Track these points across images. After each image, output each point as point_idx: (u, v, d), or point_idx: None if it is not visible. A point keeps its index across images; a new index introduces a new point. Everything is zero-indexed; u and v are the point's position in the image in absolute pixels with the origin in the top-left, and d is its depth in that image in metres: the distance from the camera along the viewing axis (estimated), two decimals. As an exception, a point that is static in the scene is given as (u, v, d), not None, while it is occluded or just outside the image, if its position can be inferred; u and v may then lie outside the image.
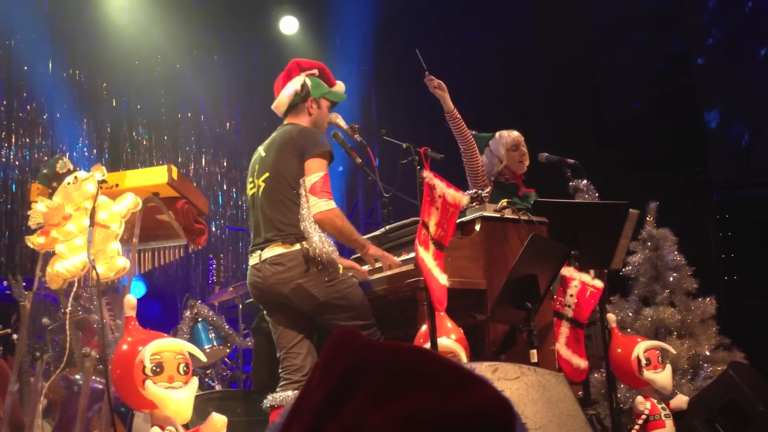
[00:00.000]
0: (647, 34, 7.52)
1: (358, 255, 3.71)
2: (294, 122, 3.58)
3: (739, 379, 3.54)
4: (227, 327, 5.47)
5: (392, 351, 0.93)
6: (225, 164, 8.28)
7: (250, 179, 3.58)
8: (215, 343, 5.33)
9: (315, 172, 3.34)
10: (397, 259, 3.62)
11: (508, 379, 2.49)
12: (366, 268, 3.70)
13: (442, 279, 3.00)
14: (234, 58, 8.38)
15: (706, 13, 7.47)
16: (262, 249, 3.39)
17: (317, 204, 3.31)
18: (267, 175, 3.44)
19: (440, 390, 0.86)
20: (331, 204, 3.34)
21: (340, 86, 3.74)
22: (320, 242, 3.29)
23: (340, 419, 0.87)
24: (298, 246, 3.31)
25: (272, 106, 3.67)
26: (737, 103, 7.31)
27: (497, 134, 4.41)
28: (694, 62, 7.27)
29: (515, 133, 4.42)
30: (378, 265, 3.65)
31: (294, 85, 3.57)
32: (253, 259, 3.43)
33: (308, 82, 3.58)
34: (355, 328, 0.97)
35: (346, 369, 0.91)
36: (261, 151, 3.58)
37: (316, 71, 3.67)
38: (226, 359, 5.77)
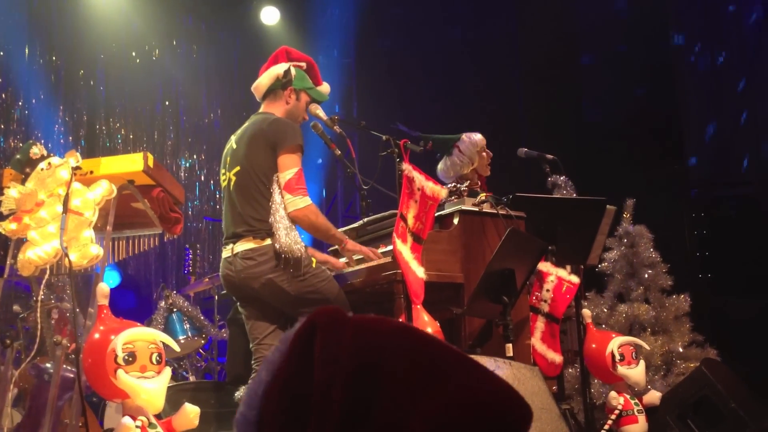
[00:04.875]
0: (630, 34, 7.56)
1: (335, 248, 3.67)
2: (268, 111, 3.52)
3: (712, 376, 3.56)
4: (202, 318, 5.44)
5: (390, 335, 0.90)
6: (203, 154, 8.21)
7: (222, 170, 3.53)
8: (190, 334, 5.30)
9: (289, 168, 3.28)
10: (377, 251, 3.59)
11: (483, 373, 2.49)
12: (343, 260, 3.67)
13: (420, 272, 3.00)
14: (214, 48, 8.30)
15: (688, 15, 7.52)
16: (234, 242, 3.35)
17: (293, 201, 3.26)
18: (238, 168, 3.39)
19: (459, 382, 0.86)
20: (307, 200, 3.29)
21: (325, 87, 3.68)
22: (287, 238, 3.23)
23: (370, 424, 0.82)
24: (269, 241, 3.26)
25: (252, 87, 3.61)
26: (716, 102, 7.37)
27: (464, 136, 4.21)
28: (676, 64, 7.32)
29: (480, 135, 4.32)
30: (356, 257, 3.61)
31: (277, 69, 3.51)
32: (226, 252, 3.39)
33: (293, 71, 3.51)
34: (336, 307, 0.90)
35: (357, 368, 0.83)
36: (233, 142, 3.52)
37: (304, 64, 3.60)
38: (200, 350, 5.74)
